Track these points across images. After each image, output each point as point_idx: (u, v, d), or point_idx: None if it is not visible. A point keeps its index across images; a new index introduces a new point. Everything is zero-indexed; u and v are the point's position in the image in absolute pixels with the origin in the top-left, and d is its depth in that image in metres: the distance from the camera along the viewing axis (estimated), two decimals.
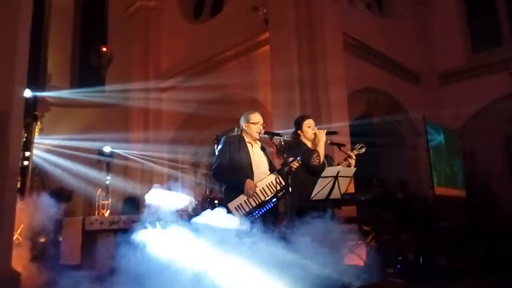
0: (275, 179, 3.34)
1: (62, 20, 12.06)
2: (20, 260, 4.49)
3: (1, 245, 3.53)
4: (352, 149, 3.78)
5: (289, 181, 3.24)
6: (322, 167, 3.51)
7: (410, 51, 9.65)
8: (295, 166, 3.32)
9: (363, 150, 3.74)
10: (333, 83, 6.64)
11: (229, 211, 3.22)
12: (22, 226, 5.33)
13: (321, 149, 3.60)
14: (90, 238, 5.74)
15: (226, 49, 8.65)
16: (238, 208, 3.21)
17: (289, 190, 3.29)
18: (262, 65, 7.68)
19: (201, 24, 10.17)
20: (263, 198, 3.27)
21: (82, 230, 5.78)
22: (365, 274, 3.03)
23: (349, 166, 3.70)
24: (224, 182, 3.53)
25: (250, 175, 3.33)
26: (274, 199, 3.30)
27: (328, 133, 3.71)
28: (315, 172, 3.49)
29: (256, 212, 3.22)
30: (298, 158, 3.34)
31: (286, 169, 3.29)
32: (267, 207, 3.26)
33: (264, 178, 3.37)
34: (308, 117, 3.90)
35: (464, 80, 9.37)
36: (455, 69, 9.67)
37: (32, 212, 4.99)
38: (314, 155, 3.50)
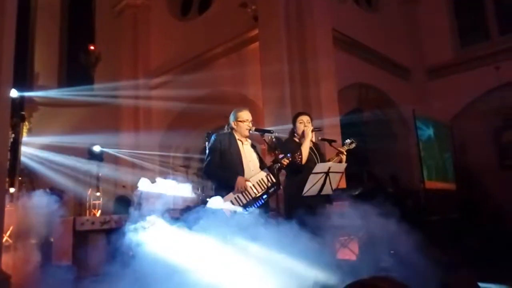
0: (266, 176, 3.34)
1: (49, 19, 11.92)
2: (10, 262, 4.44)
3: None
4: (343, 145, 3.80)
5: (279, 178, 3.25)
6: (303, 166, 3.51)
7: (399, 46, 9.69)
8: (285, 163, 3.32)
9: (354, 145, 3.76)
10: (323, 79, 6.64)
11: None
12: (11, 227, 5.27)
13: (305, 147, 3.61)
14: (81, 238, 5.68)
15: (215, 46, 8.61)
16: None
17: (279, 187, 3.30)
18: (252, 62, 7.66)
19: (189, 21, 10.10)
20: (253, 195, 3.27)
21: (73, 230, 5.73)
22: (357, 269, 3.05)
23: (340, 161, 3.72)
24: (214, 179, 3.51)
25: (241, 173, 3.32)
26: (265, 196, 3.30)
27: (313, 130, 3.73)
28: (297, 170, 3.51)
29: (247, 209, 3.22)
30: (288, 155, 3.34)
31: (276, 166, 3.29)
32: (258, 204, 3.26)
33: (254, 175, 3.36)
34: (302, 114, 3.92)
35: (453, 74, 9.45)
36: (443, 63, 9.74)
37: (33, 213, 4.94)
38: (296, 154, 3.51)
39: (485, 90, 8.93)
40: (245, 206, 3.23)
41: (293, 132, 3.87)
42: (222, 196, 3.26)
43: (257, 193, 3.29)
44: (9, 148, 5.08)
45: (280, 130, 4.06)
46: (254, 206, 3.25)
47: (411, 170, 8.58)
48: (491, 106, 8.65)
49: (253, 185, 3.30)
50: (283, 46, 6.86)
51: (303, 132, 3.70)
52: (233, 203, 3.22)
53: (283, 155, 3.33)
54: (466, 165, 8.68)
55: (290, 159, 3.35)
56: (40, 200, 5.09)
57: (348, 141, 3.77)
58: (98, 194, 8.86)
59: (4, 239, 4.46)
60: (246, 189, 3.24)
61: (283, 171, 3.51)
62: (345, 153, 3.69)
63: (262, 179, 3.34)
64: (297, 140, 3.78)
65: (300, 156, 3.50)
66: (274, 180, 3.33)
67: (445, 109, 9.03)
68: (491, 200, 7.67)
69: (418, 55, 10.13)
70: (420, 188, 6.95)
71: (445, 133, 8.32)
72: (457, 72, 9.38)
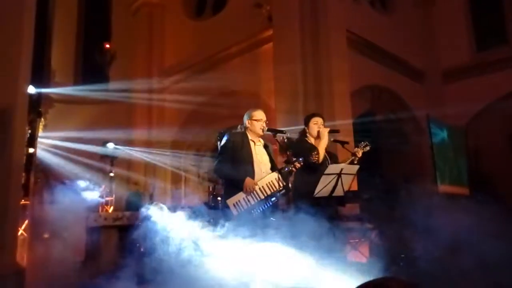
0: (276, 178, 3.33)
1: (66, 17, 12.08)
2: (24, 256, 4.52)
3: (6, 241, 3.55)
4: (357, 147, 3.78)
5: (291, 179, 3.25)
6: (320, 165, 3.52)
7: (414, 48, 9.60)
8: (297, 167, 3.32)
9: (368, 148, 3.75)
10: (337, 80, 6.62)
11: (227, 207, 3.22)
12: (26, 221, 5.36)
13: (322, 147, 3.62)
14: (94, 234, 5.75)
15: (229, 46, 8.64)
16: (236, 205, 3.21)
17: (289, 190, 3.29)
18: (266, 62, 7.67)
19: (204, 21, 10.16)
20: (262, 197, 3.26)
21: (86, 226, 5.80)
22: (367, 271, 3.03)
23: (351, 163, 3.71)
24: (225, 178, 3.53)
25: (251, 173, 3.32)
26: (273, 198, 3.29)
27: (330, 132, 3.72)
28: (312, 170, 3.50)
29: (255, 210, 3.22)
30: (301, 159, 3.33)
31: (287, 168, 3.29)
32: (266, 206, 3.26)
33: (264, 177, 3.36)
34: (317, 115, 3.94)
35: (469, 77, 9.32)
36: (459, 66, 9.61)
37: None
38: (314, 152, 3.51)
39: (501, 95, 8.79)
40: (252, 207, 3.23)
41: (304, 133, 3.86)
42: (231, 195, 3.27)
43: (266, 195, 3.28)
44: (26, 144, 5.17)
45: (292, 131, 4.06)
46: (262, 208, 3.25)
47: (424, 174, 8.49)
48: (507, 111, 8.51)
49: (262, 186, 3.29)
50: (297, 47, 6.85)
51: (318, 132, 3.70)
52: (241, 203, 3.22)
53: (295, 158, 3.32)
54: (480, 169, 8.55)
55: (302, 163, 3.35)
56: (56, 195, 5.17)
57: (362, 143, 3.76)
58: (111, 176, 9.00)
59: (19, 233, 4.54)
60: (254, 190, 3.24)
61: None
62: (359, 155, 3.67)
63: (272, 181, 3.33)
64: (310, 141, 3.78)
65: (317, 156, 3.51)
66: (284, 184, 3.31)
67: (460, 113, 8.91)
68: (506, 205, 7.52)
69: (433, 57, 10.02)
70: (433, 191, 6.87)
71: (459, 137, 8.20)
72: (473, 76, 9.25)
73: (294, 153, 3.40)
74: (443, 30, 9.99)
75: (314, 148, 3.58)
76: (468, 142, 8.49)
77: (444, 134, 7.49)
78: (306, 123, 3.86)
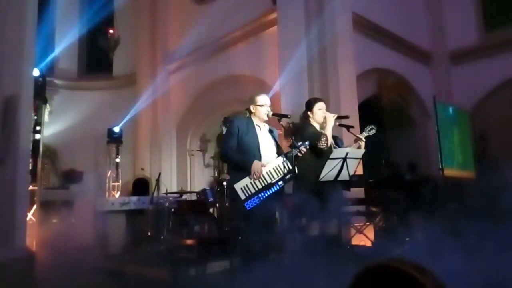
0: (282, 163, 3.33)
1: (69, 2, 12.01)
2: (33, 240, 4.59)
3: (16, 225, 3.61)
4: (362, 131, 3.77)
5: (296, 164, 3.25)
6: (329, 150, 3.52)
7: (421, 30, 9.45)
8: (302, 151, 3.31)
9: (373, 131, 3.73)
10: (342, 64, 6.55)
11: (234, 192, 3.23)
12: (35, 206, 5.44)
13: (329, 133, 3.61)
14: (101, 218, 5.84)
15: (234, 30, 8.56)
16: (243, 190, 3.22)
17: (295, 174, 3.29)
18: (270, 46, 7.60)
19: (207, 5, 10.04)
20: (269, 181, 3.26)
21: (93, 211, 5.89)
22: (372, 255, 3.05)
23: (359, 147, 3.70)
24: (231, 163, 3.53)
25: (258, 158, 3.32)
26: (281, 182, 3.29)
27: (338, 117, 3.71)
28: (321, 155, 3.50)
29: (262, 194, 3.22)
30: (306, 143, 3.32)
31: (293, 152, 3.28)
32: (273, 190, 3.26)
33: (271, 161, 3.36)
34: (320, 100, 3.91)
35: (477, 59, 9.16)
36: (467, 48, 9.44)
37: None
38: (323, 139, 3.50)
39: (510, 77, 8.66)
40: (260, 191, 3.23)
41: (305, 116, 3.84)
42: (238, 180, 3.27)
43: (272, 179, 3.28)
44: (32, 130, 5.20)
45: (297, 115, 4.05)
46: (269, 192, 3.25)
47: (429, 157, 8.46)
48: None
49: (269, 170, 3.30)
50: (302, 30, 6.76)
51: (324, 118, 3.69)
52: (248, 187, 3.22)
53: (301, 142, 3.31)
54: (486, 153, 8.50)
55: (308, 147, 3.34)
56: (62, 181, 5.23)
57: (368, 127, 3.74)
58: (117, 161, 9.09)
59: (28, 218, 4.61)
60: (261, 174, 3.25)
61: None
62: (363, 139, 3.66)
63: (278, 165, 3.33)
64: (314, 125, 3.76)
65: (326, 141, 3.51)
66: (290, 167, 3.31)
67: (467, 96, 8.81)
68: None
69: (440, 39, 9.84)
70: (439, 175, 6.86)
71: (466, 120, 8.13)
72: (481, 58, 9.08)
73: (302, 139, 3.39)
74: (451, 10, 9.78)
75: (323, 134, 3.57)
76: (475, 125, 8.42)
77: (450, 117, 7.43)
78: (309, 107, 3.82)
